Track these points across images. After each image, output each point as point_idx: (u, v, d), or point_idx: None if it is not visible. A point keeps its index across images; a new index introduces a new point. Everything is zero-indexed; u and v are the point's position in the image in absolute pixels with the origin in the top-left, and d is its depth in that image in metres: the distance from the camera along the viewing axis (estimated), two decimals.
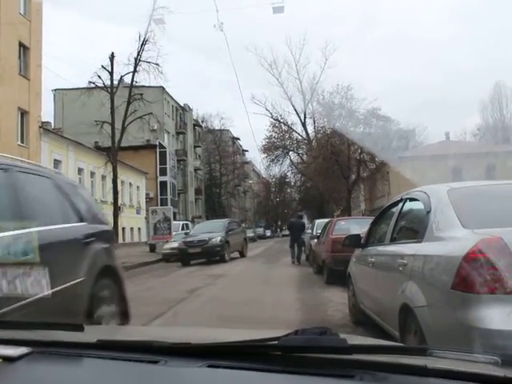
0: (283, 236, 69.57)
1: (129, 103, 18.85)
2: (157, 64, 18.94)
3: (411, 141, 41.03)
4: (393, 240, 4.26)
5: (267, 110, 41.63)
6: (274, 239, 61.63)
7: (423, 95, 70.70)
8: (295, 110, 42.24)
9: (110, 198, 32.81)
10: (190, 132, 59.84)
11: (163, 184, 46.05)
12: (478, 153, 39.67)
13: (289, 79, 41.95)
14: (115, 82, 18.70)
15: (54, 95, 45.85)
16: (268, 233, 69.95)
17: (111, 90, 18.51)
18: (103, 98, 19.78)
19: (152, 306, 8.11)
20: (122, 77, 18.76)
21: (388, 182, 32.97)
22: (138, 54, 18.74)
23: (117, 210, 19.84)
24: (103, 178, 31.66)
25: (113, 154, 19.33)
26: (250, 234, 55.92)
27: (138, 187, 39.32)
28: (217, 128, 64.78)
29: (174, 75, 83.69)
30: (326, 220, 14.69)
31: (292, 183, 62.06)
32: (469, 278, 2.59)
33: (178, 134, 56.06)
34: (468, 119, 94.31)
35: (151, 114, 19.77)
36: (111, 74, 18.59)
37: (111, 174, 25.33)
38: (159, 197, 45.24)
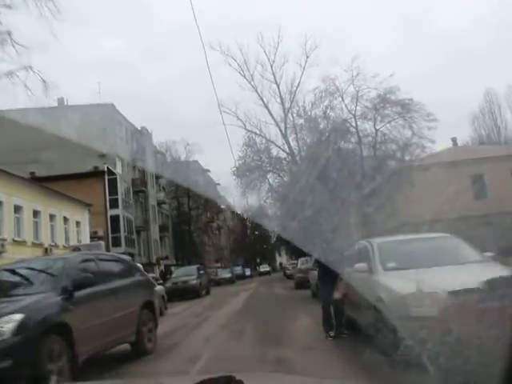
0: (260, 274, 61.10)
1: None
2: None
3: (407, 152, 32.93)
4: None
5: (239, 119, 32.90)
6: (256, 279, 52.72)
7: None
8: (273, 118, 33.56)
9: (28, 237, 23.82)
10: (151, 160, 50.84)
11: (115, 219, 36.76)
12: (498, 156, 33.02)
13: (263, 83, 33.30)
14: None
15: None
16: (248, 271, 60.82)
17: None
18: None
19: None
20: None
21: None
22: None
23: None
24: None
25: None
26: (226, 274, 47.15)
27: (77, 223, 29.95)
28: (182, 156, 56.05)
29: (126, 95, 73.58)
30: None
31: (271, 214, 53.10)
32: None
33: (135, 161, 46.93)
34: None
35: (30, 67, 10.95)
36: None
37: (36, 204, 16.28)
38: (110, 235, 35.89)
